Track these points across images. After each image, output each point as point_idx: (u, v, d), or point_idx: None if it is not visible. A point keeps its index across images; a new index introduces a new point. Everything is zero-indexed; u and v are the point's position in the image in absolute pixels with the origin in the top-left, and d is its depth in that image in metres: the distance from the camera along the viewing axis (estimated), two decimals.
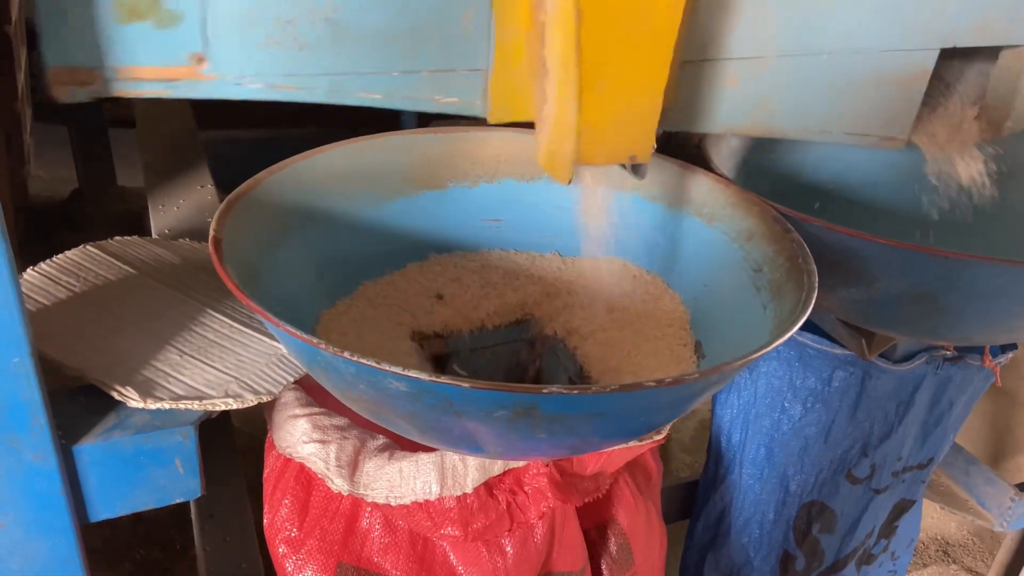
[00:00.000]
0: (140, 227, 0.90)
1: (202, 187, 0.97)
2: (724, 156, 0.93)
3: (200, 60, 0.59)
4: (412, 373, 0.48)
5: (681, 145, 1.37)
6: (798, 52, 0.73)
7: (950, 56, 0.80)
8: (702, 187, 0.78)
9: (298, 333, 0.51)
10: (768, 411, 0.99)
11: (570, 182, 0.63)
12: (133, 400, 0.60)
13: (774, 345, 0.54)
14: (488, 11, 0.64)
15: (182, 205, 0.92)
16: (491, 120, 0.67)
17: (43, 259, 0.72)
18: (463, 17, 0.64)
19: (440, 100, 0.67)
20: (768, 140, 0.98)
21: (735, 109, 0.75)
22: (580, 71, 0.57)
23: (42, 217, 2.10)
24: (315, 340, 0.51)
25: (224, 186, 1.00)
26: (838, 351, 0.91)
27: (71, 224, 2.10)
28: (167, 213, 0.91)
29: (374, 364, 0.49)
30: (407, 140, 0.81)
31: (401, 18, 0.62)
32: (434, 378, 0.48)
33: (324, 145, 0.77)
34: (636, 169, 0.67)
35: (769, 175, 0.99)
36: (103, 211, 2.11)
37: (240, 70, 0.61)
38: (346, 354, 0.50)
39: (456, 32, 0.64)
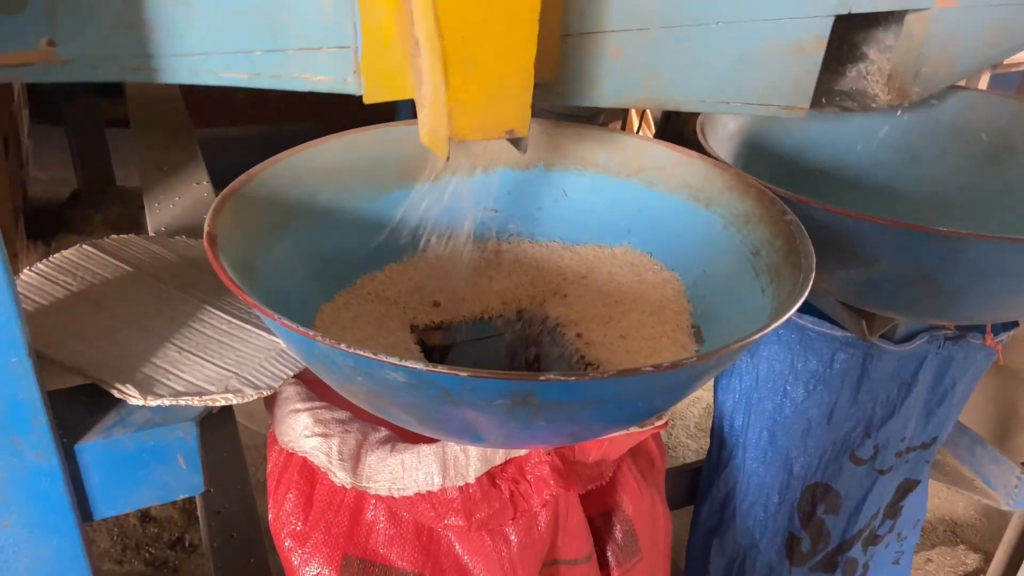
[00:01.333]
0: (139, 227, 0.90)
1: (198, 184, 0.97)
2: (721, 140, 0.92)
3: (51, 44, 0.58)
4: (409, 363, 0.48)
5: (679, 131, 1.37)
6: (684, 23, 0.72)
7: (853, 21, 0.79)
8: (699, 171, 0.78)
9: (295, 327, 0.51)
10: (770, 395, 0.99)
11: (448, 159, 0.63)
12: (133, 398, 0.60)
13: (772, 328, 0.54)
14: None
15: (178, 202, 0.92)
16: (366, 99, 0.66)
17: (44, 258, 0.72)
18: None
19: (310, 79, 0.65)
20: (764, 123, 0.98)
21: (624, 82, 0.73)
22: (443, 48, 0.57)
23: (42, 218, 2.10)
24: (312, 333, 0.51)
25: (221, 184, 1.00)
26: (839, 333, 0.91)
27: (70, 225, 2.11)
28: (163, 210, 0.91)
29: (371, 355, 0.49)
30: (401, 132, 0.81)
31: None
32: (431, 368, 0.48)
33: (318, 139, 0.76)
34: (517, 144, 0.67)
35: (768, 158, 0.99)
36: (102, 212, 2.12)
37: (93, 53, 0.59)
38: (343, 346, 0.50)
39: (316, 10, 0.63)
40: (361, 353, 0.49)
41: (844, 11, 0.76)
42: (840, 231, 0.72)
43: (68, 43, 0.58)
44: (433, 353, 0.79)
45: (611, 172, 0.83)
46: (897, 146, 0.99)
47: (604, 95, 0.74)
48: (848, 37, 0.87)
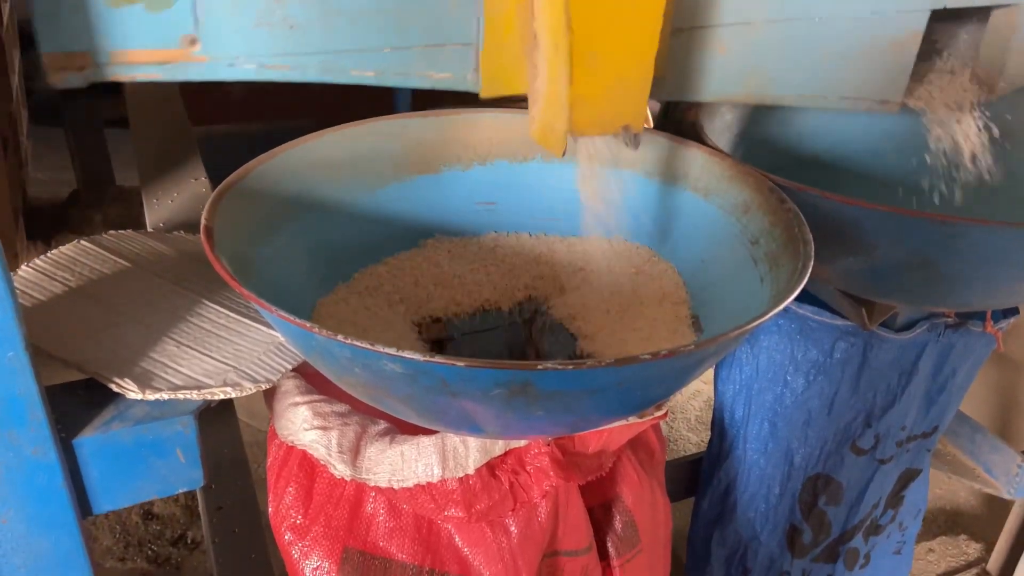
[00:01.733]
0: (138, 226, 0.90)
1: (196, 180, 0.96)
2: (719, 130, 0.92)
3: (193, 42, 0.60)
4: (406, 354, 0.48)
5: (678, 121, 1.37)
6: (787, 17, 0.73)
7: (941, 18, 0.79)
8: (697, 161, 0.78)
9: (292, 319, 0.51)
10: (770, 385, 0.99)
11: (564, 154, 0.63)
12: (131, 392, 0.60)
13: (770, 315, 0.54)
14: None
15: (176, 198, 0.92)
16: (483, 94, 0.67)
17: (40, 256, 0.72)
18: None
19: (433, 76, 0.67)
20: (763, 112, 0.98)
21: (727, 77, 0.74)
22: (570, 43, 0.57)
23: (41, 219, 2.10)
24: (309, 325, 0.51)
25: (219, 181, 0.99)
26: (839, 322, 0.91)
27: (70, 225, 2.10)
28: (162, 206, 0.90)
29: (368, 346, 0.48)
30: (398, 125, 0.81)
31: None
32: (428, 358, 0.48)
33: (314, 132, 0.76)
34: (630, 140, 0.67)
35: (766, 148, 0.98)
36: (102, 212, 2.12)
37: (232, 51, 0.61)
38: (340, 337, 0.50)
39: (444, 7, 0.64)
40: (358, 344, 0.49)
41: (940, 6, 0.75)
42: (839, 219, 0.72)
43: (209, 41, 0.60)
44: (432, 347, 0.79)
45: (609, 163, 0.83)
46: (895, 135, 0.99)
47: (707, 90, 0.75)
48: (934, 32, 0.86)
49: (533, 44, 0.61)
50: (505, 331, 0.82)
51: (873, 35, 0.75)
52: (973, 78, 0.86)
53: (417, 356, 0.48)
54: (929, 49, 0.87)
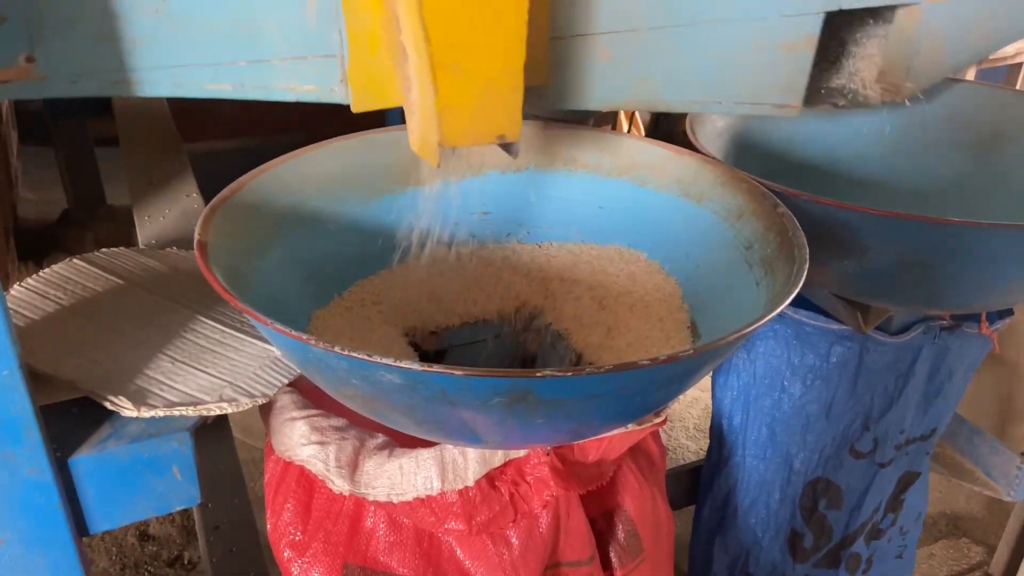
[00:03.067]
0: (130, 245, 0.89)
1: (188, 196, 0.96)
2: (710, 137, 0.92)
3: (30, 60, 0.57)
4: (404, 364, 0.48)
5: (669, 131, 1.37)
6: (672, 23, 0.71)
7: (844, 21, 0.80)
8: (690, 168, 0.78)
9: (288, 331, 0.51)
10: (768, 391, 0.98)
11: (439, 165, 0.62)
12: (126, 409, 0.59)
13: (767, 318, 0.54)
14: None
15: (168, 215, 0.91)
16: (354, 108, 0.65)
17: (33, 275, 0.72)
18: (305, 4, 0.62)
19: (297, 88, 0.64)
20: (754, 121, 0.98)
21: (613, 84, 0.73)
22: (430, 53, 0.57)
23: (32, 239, 2.10)
24: (305, 337, 0.51)
25: (212, 197, 0.99)
26: (835, 326, 0.91)
27: (61, 245, 2.10)
28: (153, 223, 0.90)
29: (365, 357, 0.48)
30: (391, 137, 0.81)
31: (237, 8, 0.60)
32: (426, 368, 0.47)
33: (306, 146, 0.76)
34: (508, 148, 0.66)
35: (758, 154, 0.99)
36: (93, 231, 2.11)
37: (73, 68, 0.59)
38: (337, 348, 0.49)
39: (300, 20, 0.62)
40: (355, 355, 0.48)
41: (835, 8, 0.75)
42: (832, 223, 0.72)
43: (47, 58, 0.57)
44: (428, 358, 0.78)
45: (602, 171, 0.83)
46: (886, 139, 0.99)
47: (594, 97, 0.74)
48: (838, 34, 0.87)
49: (403, 56, 0.61)
50: (501, 341, 0.82)
51: (764, 39, 0.74)
52: (880, 78, 0.86)
53: (416, 366, 0.47)
54: (839, 50, 0.87)
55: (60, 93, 0.59)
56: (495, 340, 0.81)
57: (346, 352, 0.49)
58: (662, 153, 0.80)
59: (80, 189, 2.15)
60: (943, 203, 0.95)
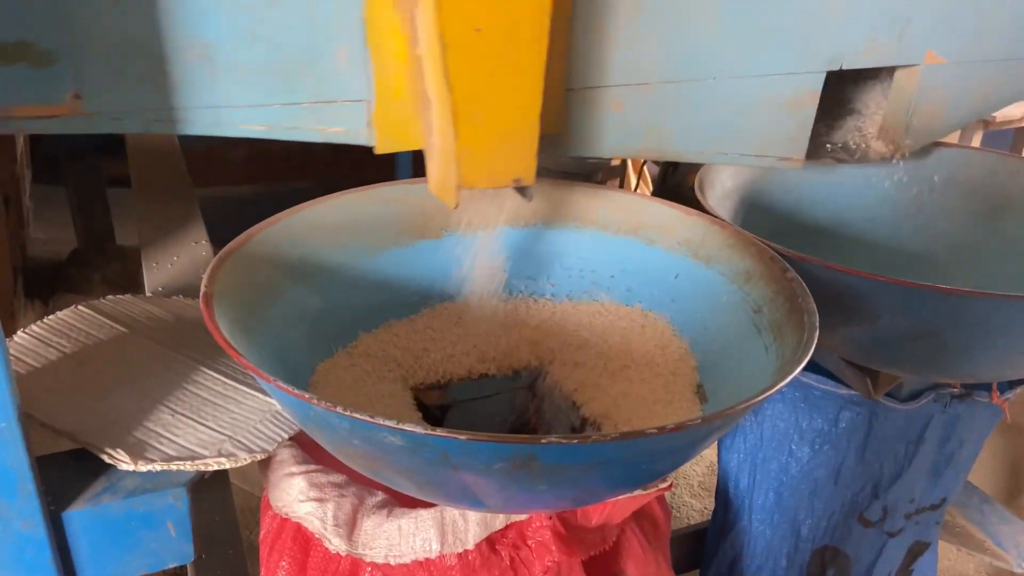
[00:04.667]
0: (137, 286, 0.89)
1: (196, 243, 0.96)
2: (719, 196, 0.93)
3: (77, 97, 0.59)
4: (407, 427, 0.47)
5: (676, 185, 1.38)
6: (682, 78, 0.75)
7: (847, 78, 0.82)
8: (698, 228, 0.78)
9: (290, 389, 0.50)
10: (775, 454, 0.97)
11: (457, 206, 0.65)
12: (124, 463, 0.58)
13: (777, 388, 0.53)
14: (363, 47, 0.65)
15: (176, 262, 0.91)
16: (378, 150, 0.68)
17: (42, 317, 0.72)
18: (337, 53, 0.65)
19: (325, 130, 0.68)
20: (763, 180, 0.99)
21: (625, 133, 0.76)
22: (452, 101, 0.59)
23: (40, 277, 2.10)
24: (307, 395, 0.50)
25: (220, 243, 0.99)
26: (843, 391, 0.90)
27: (69, 284, 2.10)
28: (161, 269, 0.90)
29: (368, 419, 0.47)
30: (400, 190, 0.81)
31: (274, 54, 0.63)
32: (430, 431, 0.47)
33: (317, 198, 0.77)
34: (522, 192, 0.69)
35: (766, 214, 0.99)
36: (101, 271, 2.11)
37: (118, 106, 0.61)
38: (339, 409, 0.49)
39: (331, 66, 0.65)
40: (358, 416, 0.48)
41: (836, 67, 0.78)
42: (842, 288, 0.72)
43: (94, 96, 0.60)
44: (431, 413, 0.77)
45: (610, 230, 0.83)
46: (895, 202, 0.99)
47: (606, 146, 0.76)
48: (841, 91, 0.89)
49: (425, 101, 0.63)
50: (506, 398, 0.81)
51: (770, 95, 0.78)
52: (880, 135, 0.88)
53: (418, 429, 0.47)
54: (842, 107, 0.90)
55: (104, 129, 0.62)
56: (499, 396, 0.81)
57: (348, 413, 0.48)
58: (670, 213, 0.80)
59: (90, 229, 2.16)
60: (954, 269, 0.95)
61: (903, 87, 0.86)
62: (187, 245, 0.96)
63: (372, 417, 0.47)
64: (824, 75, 0.78)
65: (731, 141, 0.79)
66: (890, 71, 0.86)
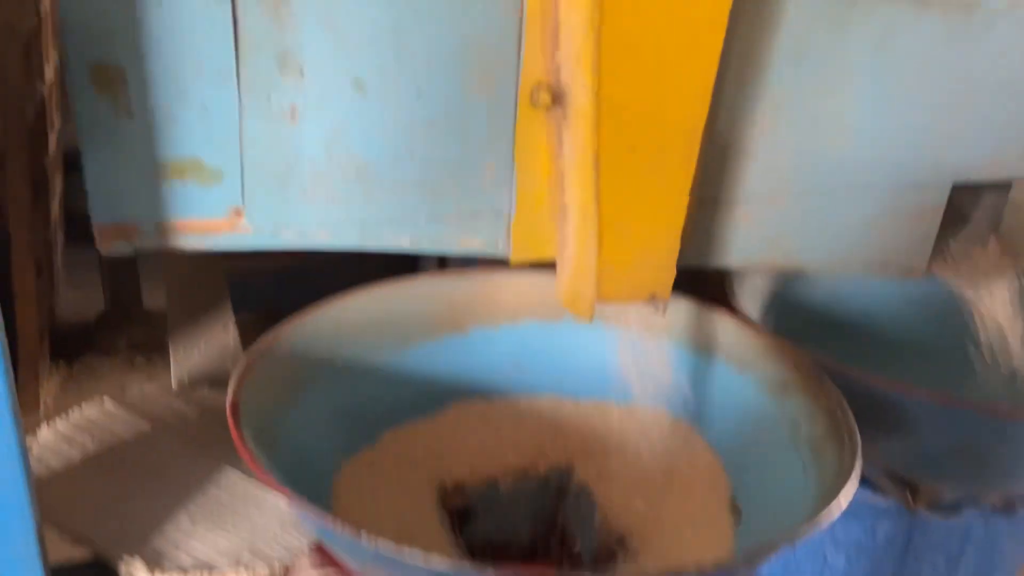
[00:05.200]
0: (162, 348, 0.90)
1: (224, 328, 0.96)
2: (749, 295, 0.91)
3: (238, 213, 0.61)
4: (435, 561, 0.45)
5: (704, 281, 1.37)
6: (813, 190, 0.74)
7: (964, 185, 0.80)
8: (731, 333, 0.77)
9: (316, 511, 0.49)
10: (809, 562, 0.93)
11: (592, 320, 0.64)
12: (139, 574, 0.57)
13: (822, 524, 0.51)
14: (510, 162, 0.66)
15: (203, 349, 0.91)
16: (513, 260, 0.69)
17: (67, 379, 0.72)
18: (486, 168, 0.66)
19: (464, 243, 0.68)
20: (794, 281, 0.97)
21: (750, 245, 0.75)
22: (599, 215, 0.59)
23: (68, 339, 2.11)
24: (331, 519, 0.49)
25: (246, 313, 0.99)
26: (882, 501, 0.86)
27: (96, 346, 2.11)
28: (187, 357, 0.90)
29: (393, 551, 0.46)
30: (427, 285, 0.81)
31: (428, 170, 0.65)
32: (459, 569, 0.45)
33: (346, 289, 0.76)
34: (658, 307, 0.68)
35: (798, 312, 0.97)
36: (127, 333, 2.13)
37: (276, 222, 0.63)
38: (363, 536, 0.47)
39: (479, 181, 0.66)
40: (383, 548, 0.46)
41: (963, 179, 0.77)
42: (882, 400, 0.70)
43: (254, 212, 0.62)
44: (454, 516, 0.75)
45: (640, 328, 0.81)
46: (928, 306, 0.97)
47: (730, 257, 0.76)
48: (958, 198, 0.87)
49: (563, 214, 0.62)
50: (531, 500, 0.79)
51: (895, 206, 0.76)
52: (999, 244, 0.86)
53: (446, 565, 0.45)
54: (954, 216, 0.88)
55: (261, 244, 0.64)
56: (524, 500, 0.78)
57: (373, 541, 0.47)
58: (706, 316, 0.78)
59: (118, 291, 2.18)
60: (989, 377, 0.92)
61: (1022, 197, 0.85)
62: (213, 330, 0.96)
63: (398, 548, 0.46)
64: (950, 187, 0.77)
65: (854, 252, 0.78)
66: (1007, 184, 0.85)
